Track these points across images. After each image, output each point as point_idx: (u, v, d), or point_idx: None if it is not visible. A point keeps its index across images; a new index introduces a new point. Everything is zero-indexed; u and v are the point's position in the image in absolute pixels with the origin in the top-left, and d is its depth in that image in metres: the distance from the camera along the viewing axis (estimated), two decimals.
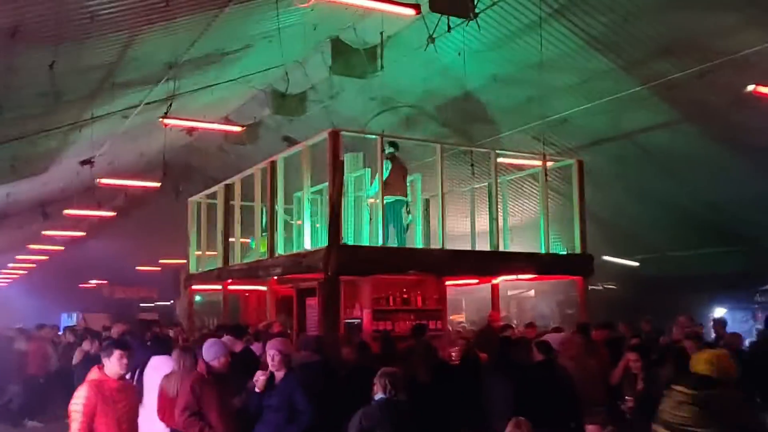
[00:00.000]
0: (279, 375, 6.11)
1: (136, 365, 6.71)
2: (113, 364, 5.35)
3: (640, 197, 15.27)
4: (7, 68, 7.73)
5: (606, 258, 15.32)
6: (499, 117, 14.37)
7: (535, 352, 6.98)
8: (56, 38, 7.07)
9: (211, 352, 6.05)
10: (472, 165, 13.57)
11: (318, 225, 10.79)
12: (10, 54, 7.25)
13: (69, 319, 29.49)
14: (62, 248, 25.82)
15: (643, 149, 13.70)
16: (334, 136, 8.70)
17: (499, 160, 11.10)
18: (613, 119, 13.14)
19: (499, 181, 10.57)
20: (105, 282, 36.40)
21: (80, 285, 35.61)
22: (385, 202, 9.39)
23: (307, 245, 9.49)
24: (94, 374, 5.36)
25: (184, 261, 25.05)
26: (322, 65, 13.06)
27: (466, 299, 20.56)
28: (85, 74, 8.72)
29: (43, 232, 21.07)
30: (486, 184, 12.59)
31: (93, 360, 9.72)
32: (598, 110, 12.81)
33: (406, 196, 10.53)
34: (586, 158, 11.36)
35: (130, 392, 5.59)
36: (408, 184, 10.74)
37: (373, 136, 9.46)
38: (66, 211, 18.49)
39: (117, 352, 5.34)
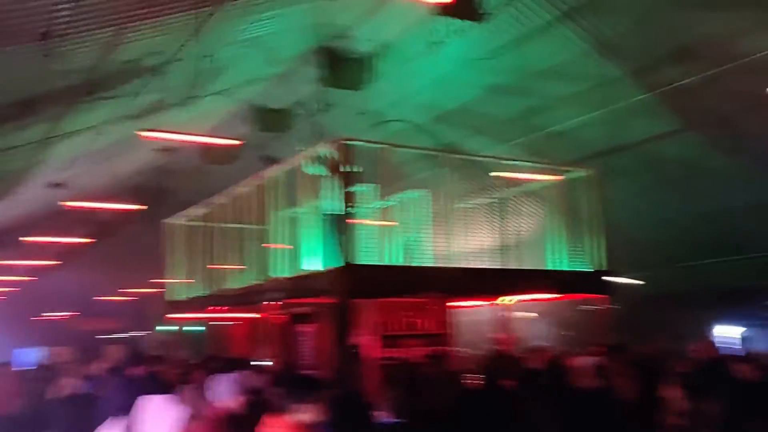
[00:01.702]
0: None
1: (119, 409, 5.79)
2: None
3: (639, 211, 14.67)
4: None
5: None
6: (494, 130, 13.70)
7: (589, 377, 6.20)
8: (29, 33, 6.14)
9: (224, 390, 5.11)
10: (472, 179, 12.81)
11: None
12: None
13: (26, 356, 27.74)
14: (22, 278, 24.38)
15: (644, 160, 13.13)
16: (343, 147, 7.90)
17: (503, 174, 10.43)
18: (615, 129, 12.57)
19: (504, 196, 9.94)
20: (67, 314, 34.72)
21: (37, 318, 33.81)
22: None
23: (310, 266, 8.63)
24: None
25: (155, 290, 23.85)
26: (310, 77, 12.29)
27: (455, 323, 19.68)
28: (57, 78, 7.75)
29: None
30: (488, 200, 11.93)
31: (75, 400, 8.68)
32: (600, 120, 12.25)
33: None
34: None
35: None
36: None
37: (379, 146, 8.68)
38: (24, 239, 17.29)
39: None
